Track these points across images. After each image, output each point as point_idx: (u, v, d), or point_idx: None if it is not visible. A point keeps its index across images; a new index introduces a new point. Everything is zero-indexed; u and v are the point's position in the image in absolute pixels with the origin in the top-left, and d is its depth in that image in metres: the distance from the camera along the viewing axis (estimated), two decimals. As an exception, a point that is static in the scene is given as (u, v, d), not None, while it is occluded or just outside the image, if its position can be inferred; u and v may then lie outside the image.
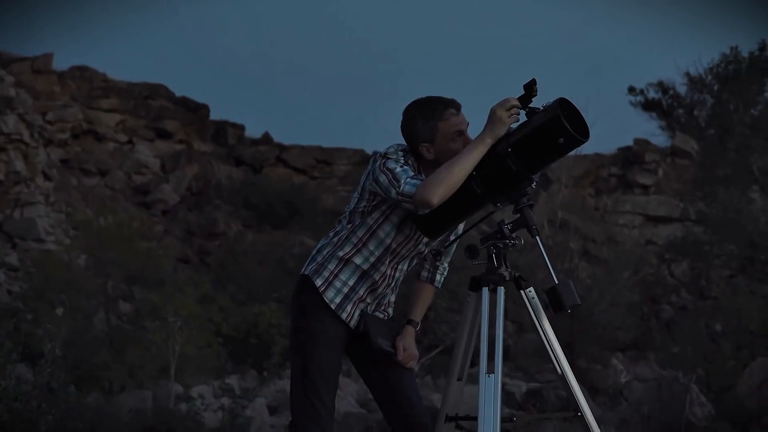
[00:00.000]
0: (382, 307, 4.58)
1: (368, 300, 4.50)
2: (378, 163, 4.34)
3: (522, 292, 4.25)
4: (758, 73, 30.43)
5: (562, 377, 4.20)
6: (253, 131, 33.64)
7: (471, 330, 4.27)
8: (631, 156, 32.75)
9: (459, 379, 4.33)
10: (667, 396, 14.23)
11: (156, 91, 31.81)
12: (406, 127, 4.40)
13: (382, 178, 4.29)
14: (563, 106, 4.09)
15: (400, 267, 4.51)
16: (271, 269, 25.31)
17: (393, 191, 4.25)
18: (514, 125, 4.22)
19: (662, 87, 33.69)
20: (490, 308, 4.14)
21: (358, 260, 4.45)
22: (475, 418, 4.10)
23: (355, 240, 4.45)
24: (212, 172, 30.89)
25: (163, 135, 31.31)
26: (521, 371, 19.43)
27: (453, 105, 4.37)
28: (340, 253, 4.47)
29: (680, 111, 33.69)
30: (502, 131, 4.18)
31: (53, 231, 25.84)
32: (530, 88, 4.15)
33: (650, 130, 39.48)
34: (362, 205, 4.45)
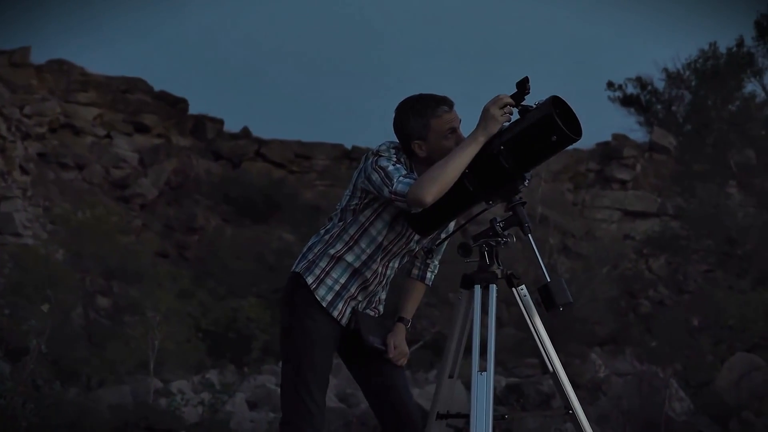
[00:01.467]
0: (373, 305, 4.57)
1: (359, 298, 4.50)
2: (370, 161, 4.33)
3: (514, 289, 4.25)
4: (736, 69, 30.52)
5: (554, 375, 4.20)
6: (232, 125, 33.61)
7: (462, 327, 4.27)
8: (610, 151, 32.87)
9: (450, 377, 4.33)
10: (647, 391, 14.27)
11: (134, 84, 31.70)
12: (399, 125, 4.39)
13: (375, 177, 4.28)
14: (556, 103, 4.09)
15: (391, 264, 4.51)
16: (251, 264, 25.30)
17: (386, 190, 4.24)
18: (507, 123, 4.22)
19: (641, 82, 33.79)
20: (482, 306, 4.14)
21: (349, 258, 4.44)
22: (467, 416, 4.09)
23: (346, 238, 4.44)
24: (191, 167, 30.81)
25: (142, 129, 31.20)
26: (500, 366, 19.49)
27: (445, 102, 4.36)
28: (332, 251, 4.46)
29: (658, 106, 33.80)
30: (494, 129, 4.17)
31: (31, 225, 25.71)
32: (523, 85, 4.15)
33: (628, 125, 39.70)
34: (354, 202, 4.44)
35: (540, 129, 4.08)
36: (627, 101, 34.08)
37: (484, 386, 4.00)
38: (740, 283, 24.40)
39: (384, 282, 4.53)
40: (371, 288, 4.50)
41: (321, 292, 4.43)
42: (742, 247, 26.38)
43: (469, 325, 4.20)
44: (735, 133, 29.14)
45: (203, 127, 32.46)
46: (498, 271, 4.23)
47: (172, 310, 18.86)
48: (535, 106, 4.14)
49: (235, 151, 32.34)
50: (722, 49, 31.27)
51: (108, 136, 30.72)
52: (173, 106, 32.17)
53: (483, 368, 4.05)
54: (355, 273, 4.45)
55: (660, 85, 33.46)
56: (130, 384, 16.61)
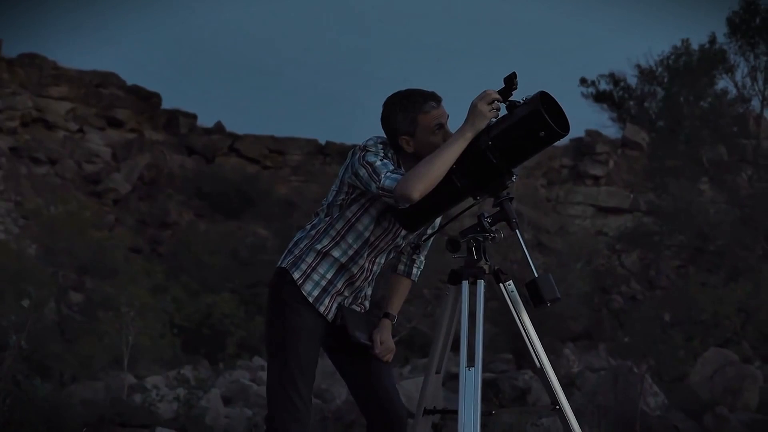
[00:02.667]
0: (359, 300, 4.57)
1: (346, 293, 4.49)
2: (357, 156, 4.32)
3: (501, 285, 4.25)
4: (708, 66, 30.69)
5: (541, 370, 4.20)
6: (205, 120, 33.53)
7: (450, 323, 4.27)
8: (583, 147, 32.97)
9: (437, 373, 4.32)
10: (622, 386, 14.33)
11: (107, 79, 31.54)
12: (386, 120, 4.38)
13: (362, 172, 4.27)
14: (544, 99, 4.09)
15: (378, 260, 4.50)
16: (224, 259, 25.25)
17: (373, 185, 4.23)
18: (494, 119, 4.22)
19: (613, 79, 33.93)
20: (470, 301, 4.14)
21: (336, 253, 4.43)
22: (454, 412, 4.09)
23: (333, 233, 4.43)
24: (164, 162, 30.71)
25: (115, 124, 31.06)
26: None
27: (433, 98, 4.36)
28: (318, 246, 4.44)
29: (631, 103, 33.94)
30: (482, 125, 4.17)
31: (2, 220, 25.58)
32: (510, 81, 4.15)
33: (601, 121, 39.76)
34: (341, 197, 4.43)
35: (528, 125, 4.08)
36: (600, 97, 34.21)
37: (472, 382, 3.99)
38: (712, 278, 24.53)
39: (370, 278, 4.52)
40: (357, 283, 4.49)
41: (307, 287, 4.42)
42: (713, 243, 26.54)
43: (457, 320, 4.20)
44: (707, 129, 29.30)
45: (176, 122, 32.37)
46: (486, 267, 4.23)
47: (146, 305, 18.82)
48: (522, 101, 4.14)
49: (209, 146, 32.25)
50: (694, 46, 31.45)
51: (81, 130, 30.57)
52: (146, 100, 32.05)
53: (471, 364, 4.04)
54: (342, 268, 4.44)
55: (633, 81, 33.63)
56: (104, 380, 16.55)
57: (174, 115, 32.45)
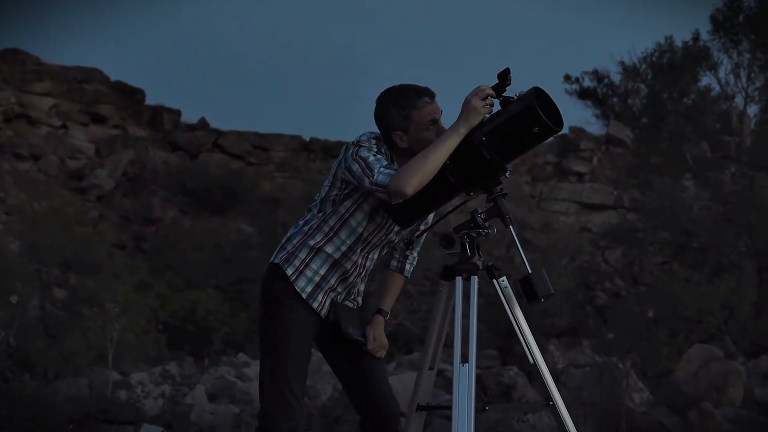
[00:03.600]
0: (352, 296, 4.56)
1: (339, 289, 4.48)
2: (350, 152, 4.30)
3: (495, 281, 4.25)
4: (692, 63, 30.79)
5: (534, 366, 4.20)
6: (189, 116, 33.47)
7: (443, 319, 4.26)
8: (567, 144, 33.02)
9: (431, 369, 4.32)
10: (607, 382, 14.36)
11: (90, 75, 31.43)
12: (380, 115, 4.37)
13: (355, 167, 4.26)
14: (538, 95, 4.09)
15: (371, 256, 4.49)
16: (208, 256, 25.20)
17: (366, 180, 4.22)
18: (488, 114, 4.21)
19: (597, 76, 34.01)
20: (464, 297, 4.13)
21: (329, 249, 4.42)
22: (447, 407, 4.09)
23: (326, 229, 4.42)
24: (148, 158, 30.63)
25: (98, 119, 30.96)
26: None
27: (427, 93, 4.35)
28: (311, 242, 4.43)
29: (615, 99, 34.03)
30: (476, 120, 4.16)
31: (-15, 216, 25.46)
32: (504, 77, 4.14)
33: (585, 118, 39.86)
34: (334, 193, 4.42)
35: (522, 120, 4.08)
36: (584, 94, 34.29)
37: (466, 378, 3.99)
38: (696, 275, 24.59)
39: (363, 274, 4.51)
40: (351, 279, 4.48)
41: (300, 283, 4.41)
42: (697, 240, 26.61)
43: (450, 316, 4.19)
44: (691, 126, 29.40)
45: (160, 118, 32.28)
46: (479, 263, 4.22)
47: (131, 301, 18.77)
48: (516, 97, 4.13)
49: (193, 143, 32.18)
50: (678, 43, 31.55)
51: (64, 126, 30.46)
52: (130, 96, 31.95)
53: (465, 360, 4.04)
54: (335, 264, 4.43)
55: (616, 78, 33.71)
56: (88, 376, 16.50)
57: (158, 111, 32.36)
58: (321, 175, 29.39)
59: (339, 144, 32.23)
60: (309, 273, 4.42)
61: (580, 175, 32.43)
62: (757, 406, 14.83)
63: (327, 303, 4.46)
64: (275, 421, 4.34)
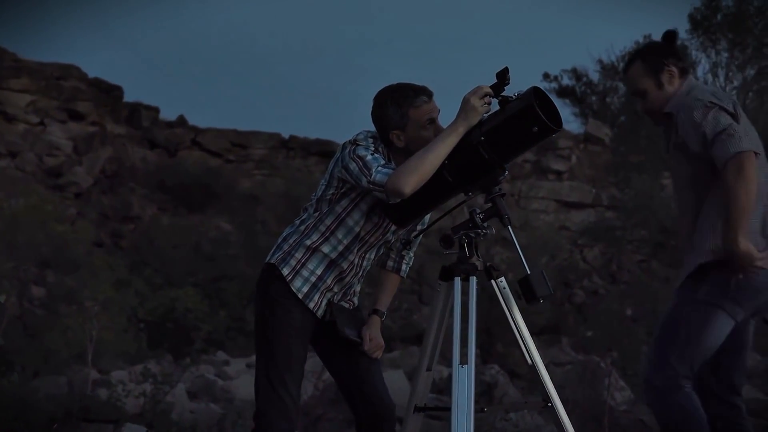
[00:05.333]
0: (348, 296, 4.53)
1: (335, 289, 4.45)
2: (348, 150, 4.28)
3: (493, 281, 4.23)
4: (670, 62, 30.85)
5: (533, 367, 4.18)
6: (167, 113, 33.32)
7: (441, 320, 4.24)
8: (545, 142, 33.04)
9: (428, 370, 4.30)
10: (589, 380, 14.39)
11: (68, 71, 31.26)
12: (377, 114, 4.34)
13: (353, 166, 4.23)
14: (537, 95, 4.07)
15: (367, 256, 4.47)
16: (187, 253, 25.11)
17: (364, 180, 4.20)
18: (486, 114, 4.19)
19: (576, 74, 34.06)
20: (462, 298, 4.11)
21: (326, 249, 4.39)
22: (446, 409, 4.07)
23: (323, 228, 4.39)
24: (126, 155, 30.49)
25: (76, 116, 30.78)
26: (442, 357, 19.52)
27: (425, 92, 4.33)
28: (308, 242, 4.40)
29: (593, 98, 34.09)
30: (474, 120, 4.15)
31: (-38, 214, 25.26)
32: (503, 76, 4.13)
33: (564, 116, 39.55)
34: (330, 192, 4.39)
35: (521, 120, 4.06)
36: (562, 92, 34.34)
37: (465, 379, 3.97)
38: (674, 273, 24.66)
39: (360, 273, 4.49)
40: (347, 279, 4.45)
41: (297, 283, 4.38)
42: (675, 238, 26.68)
43: (449, 317, 4.17)
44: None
45: (138, 115, 32.13)
46: (478, 263, 4.20)
47: (110, 299, 18.69)
48: (515, 96, 4.12)
49: (171, 140, 32.05)
50: (656, 42, 31.58)
51: (41, 123, 30.27)
52: (108, 93, 31.79)
53: (464, 361, 4.02)
54: (332, 264, 4.40)
55: (595, 76, 33.76)
56: (68, 374, 16.42)
57: (136, 108, 32.21)
58: (300, 173, 29.35)
59: (318, 142, 32.18)
60: (305, 273, 4.39)
61: (558, 174, 32.48)
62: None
63: (323, 303, 4.43)
64: (271, 421, 4.32)
